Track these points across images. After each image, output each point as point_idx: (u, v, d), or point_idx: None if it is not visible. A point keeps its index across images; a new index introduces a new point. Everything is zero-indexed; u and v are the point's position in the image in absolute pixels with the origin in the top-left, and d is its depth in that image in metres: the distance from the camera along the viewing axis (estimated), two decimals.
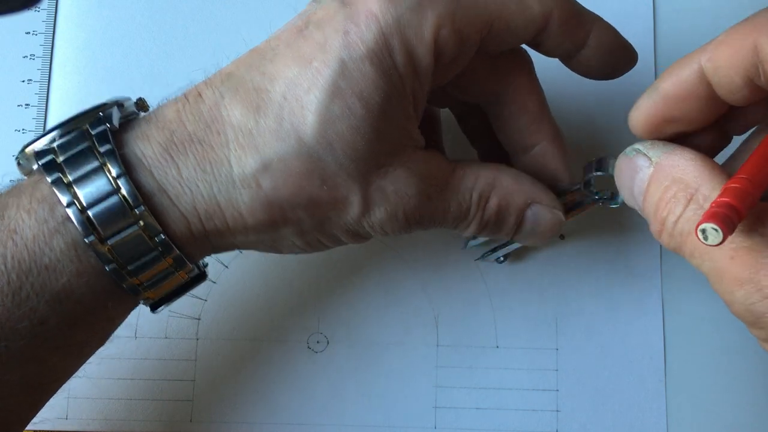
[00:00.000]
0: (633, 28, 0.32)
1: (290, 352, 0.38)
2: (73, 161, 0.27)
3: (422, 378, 0.38)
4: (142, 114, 0.30)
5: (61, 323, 0.27)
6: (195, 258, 0.29)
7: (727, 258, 0.24)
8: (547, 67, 0.33)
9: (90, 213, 0.27)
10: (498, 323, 0.39)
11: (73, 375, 0.30)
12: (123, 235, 0.27)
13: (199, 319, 0.39)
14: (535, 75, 0.33)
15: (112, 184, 0.27)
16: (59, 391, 0.30)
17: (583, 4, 0.31)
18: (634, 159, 0.28)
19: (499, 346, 0.39)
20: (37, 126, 0.41)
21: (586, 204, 0.34)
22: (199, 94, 0.29)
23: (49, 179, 0.27)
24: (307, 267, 0.39)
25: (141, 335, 0.38)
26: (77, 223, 0.27)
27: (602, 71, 0.32)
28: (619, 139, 0.38)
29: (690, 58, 0.27)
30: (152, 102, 0.30)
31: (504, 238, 0.33)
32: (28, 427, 0.30)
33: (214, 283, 0.39)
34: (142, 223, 0.27)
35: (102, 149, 0.27)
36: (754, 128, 0.30)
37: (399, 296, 0.39)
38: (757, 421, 0.38)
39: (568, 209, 0.34)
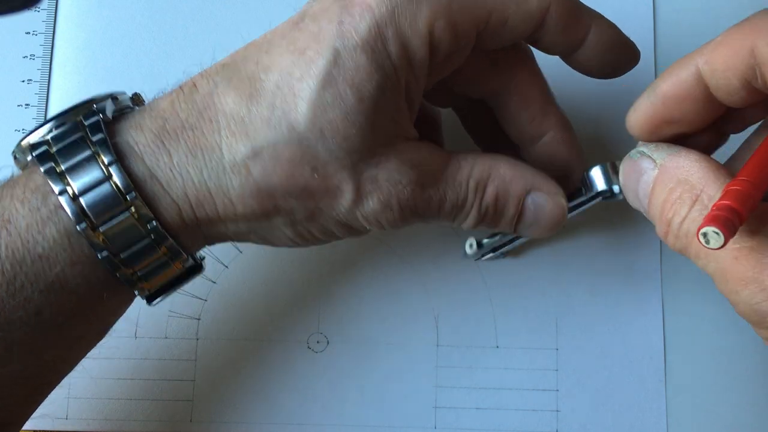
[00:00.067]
0: (633, 28, 0.32)
1: (290, 352, 0.38)
2: (66, 151, 0.28)
3: (422, 378, 0.38)
4: (138, 108, 0.30)
5: (57, 314, 0.27)
6: (189, 249, 0.29)
7: (731, 259, 0.24)
8: (547, 67, 0.33)
9: (82, 200, 0.27)
10: (498, 323, 0.39)
11: (73, 375, 0.30)
12: (115, 221, 0.27)
13: (199, 319, 0.39)
14: (538, 67, 0.32)
15: (103, 171, 0.27)
16: (59, 391, 0.30)
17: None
18: (639, 161, 0.28)
19: (499, 346, 0.39)
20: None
21: (587, 200, 0.33)
22: (194, 85, 0.29)
23: (42, 169, 0.27)
24: (307, 267, 0.39)
25: (141, 335, 0.38)
26: (69, 211, 0.27)
27: (603, 69, 0.31)
28: (620, 139, 0.38)
29: (688, 60, 0.27)
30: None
31: (505, 229, 0.32)
32: (29, 427, 0.30)
33: (214, 283, 0.39)
34: (133, 209, 0.27)
35: (94, 138, 0.28)
36: (756, 126, 0.30)
37: (399, 296, 0.39)
38: (757, 421, 0.38)
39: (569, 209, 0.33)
